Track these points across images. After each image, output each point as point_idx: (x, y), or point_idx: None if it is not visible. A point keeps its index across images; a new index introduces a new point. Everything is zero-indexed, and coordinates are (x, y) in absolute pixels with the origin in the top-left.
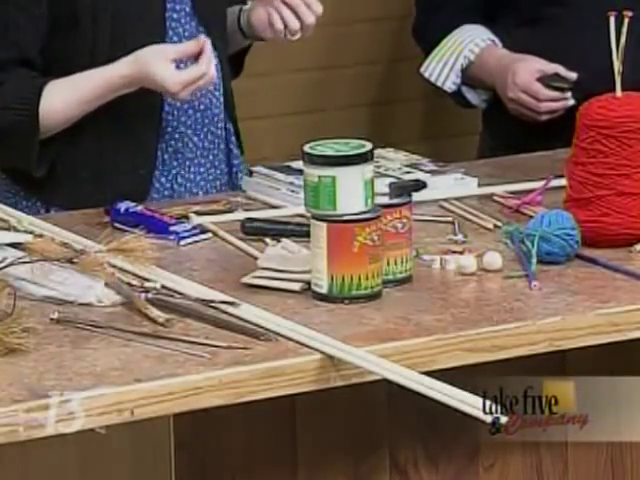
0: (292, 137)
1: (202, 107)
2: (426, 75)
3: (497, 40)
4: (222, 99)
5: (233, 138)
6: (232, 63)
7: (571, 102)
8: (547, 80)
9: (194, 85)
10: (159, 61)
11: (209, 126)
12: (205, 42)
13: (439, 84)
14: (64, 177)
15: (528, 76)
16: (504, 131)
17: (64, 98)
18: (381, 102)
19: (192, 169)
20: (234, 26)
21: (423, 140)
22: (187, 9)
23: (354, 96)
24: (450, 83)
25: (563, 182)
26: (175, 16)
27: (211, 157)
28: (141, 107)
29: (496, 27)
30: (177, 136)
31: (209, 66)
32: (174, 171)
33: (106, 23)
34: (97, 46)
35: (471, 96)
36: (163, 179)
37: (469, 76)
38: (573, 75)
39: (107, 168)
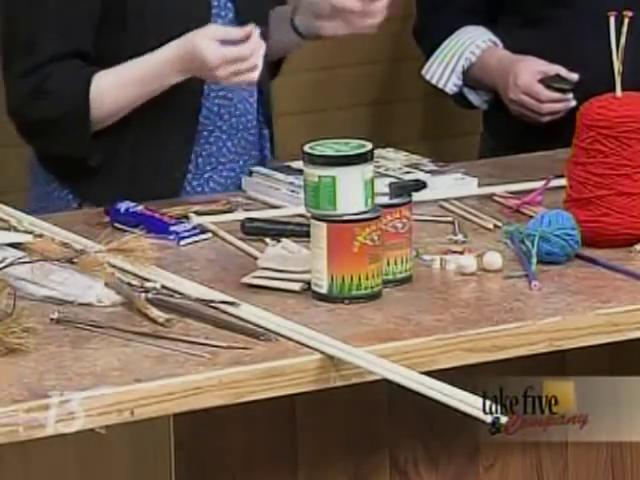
0: (292, 137)
1: (237, 113)
2: (427, 77)
3: (498, 41)
4: (256, 105)
5: (268, 144)
6: (270, 67)
7: (573, 103)
8: (548, 81)
9: (235, 65)
10: (204, 37)
11: (243, 132)
12: (253, 30)
13: (440, 86)
14: (100, 173)
15: (530, 77)
16: (504, 131)
17: (113, 85)
18: (381, 102)
19: (224, 173)
20: (283, 28)
21: (423, 140)
22: (230, 15)
23: (354, 96)
24: (451, 85)
25: (563, 182)
26: (219, 22)
27: (242, 162)
28: (179, 110)
29: (497, 28)
30: (212, 140)
31: (254, 53)
32: (206, 175)
33: (153, 25)
34: (142, 47)
35: (472, 97)
36: (195, 182)
37: (470, 77)
38: (574, 76)
39: (142, 168)
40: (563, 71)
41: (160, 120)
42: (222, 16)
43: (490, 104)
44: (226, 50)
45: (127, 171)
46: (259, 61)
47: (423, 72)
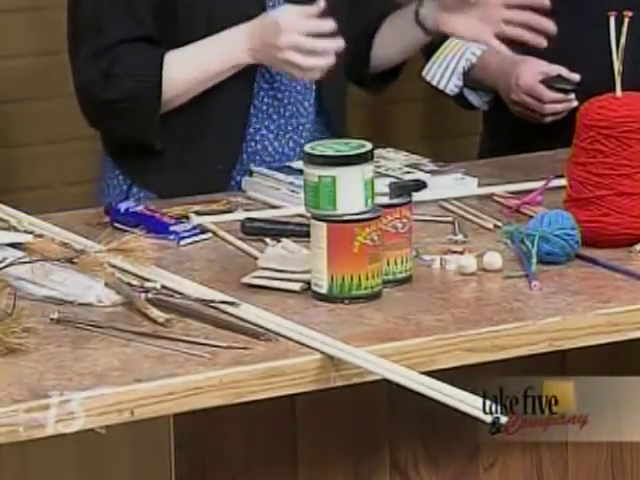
0: None
1: (287, 114)
2: (427, 78)
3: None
4: (312, 109)
5: None
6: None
7: (574, 103)
8: (550, 82)
9: (309, 45)
10: (281, 9)
11: (292, 133)
12: (330, 24)
13: (441, 87)
14: (149, 158)
15: (531, 78)
16: (505, 132)
17: (183, 66)
18: (381, 102)
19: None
20: (405, 27)
21: (423, 140)
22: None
23: (354, 96)
24: (452, 86)
25: (563, 182)
26: (271, 3)
27: (287, 163)
28: (230, 104)
29: None
30: (258, 138)
31: (325, 52)
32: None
33: (202, 24)
34: (193, 30)
35: (473, 98)
36: (239, 177)
37: (471, 78)
38: (576, 77)
39: (190, 158)
40: (565, 71)
41: (210, 112)
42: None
43: (490, 105)
44: (302, 25)
45: (175, 158)
46: (324, 62)
47: (423, 73)
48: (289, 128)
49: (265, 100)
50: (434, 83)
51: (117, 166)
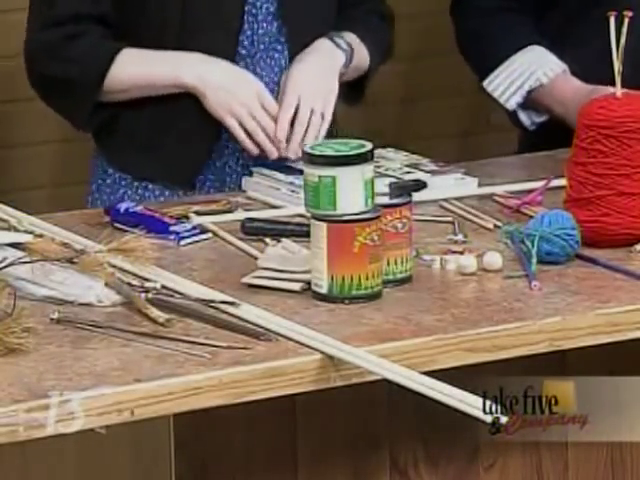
0: None
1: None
2: (489, 89)
3: (567, 68)
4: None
5: None
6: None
7: None
8: None
9: (253, 121)
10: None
11: None
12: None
13: (502, 101)
14: (121, 138)
15: None
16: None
17: (132, 73)
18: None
19: (240, 161)
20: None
21: (423, 140)
22: (272, 9)
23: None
24: (513, 102)
25: (563, 182)
26: (254, 11)
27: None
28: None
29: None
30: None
31: (279, 131)
32: (218, 163)
33: (176, 3)
34: (166, 24)
35: (523, 116)
36: (209, 171)
37: (533, 99)
38: None
39: (160, 142)
40: None
41: (183, 108)
42: (258, 7)
43: (537, 126)
44: (253, 107)
45: (145, 142)
46: (270, 148)
47: (485, 83)
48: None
49: None
50: (495, 95)
51: (97, 145)
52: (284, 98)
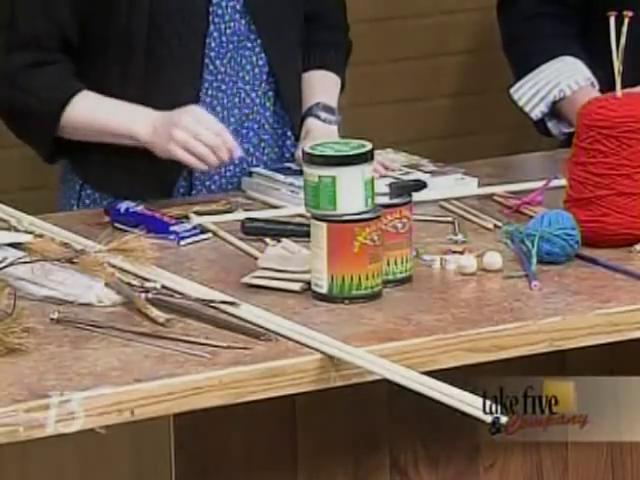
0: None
1: (230, 105)
2: (515, 98)
3: (595, 81)
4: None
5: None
6: None
7: None
8: None
9: (196, 140)
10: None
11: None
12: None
13: (527, 110)
14: (96, 159)
15: None
16: None
17: (86, 119)
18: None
19: (224, 180)
20: None
21: (423, 140)
22: (238, 6)
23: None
24: (538, 112)
25: (563, 182)
26: (220, 12)
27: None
28: (176, 100)
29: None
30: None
31: (219, 151)
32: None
33: (143, 10)
34: (134, 33)
35: (552, 126)
36: (184, 182)
37: (559, 109)
38: None
39: (138, 160)
40: None
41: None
42: (223, 6)
43: (566, 136)
44: (196, 129)
45: (121, 161)
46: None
47: (512, 91)
48: (231, 120)
49: (210, 92)
50: (520, 104)
51: (71, 167)
52: None
